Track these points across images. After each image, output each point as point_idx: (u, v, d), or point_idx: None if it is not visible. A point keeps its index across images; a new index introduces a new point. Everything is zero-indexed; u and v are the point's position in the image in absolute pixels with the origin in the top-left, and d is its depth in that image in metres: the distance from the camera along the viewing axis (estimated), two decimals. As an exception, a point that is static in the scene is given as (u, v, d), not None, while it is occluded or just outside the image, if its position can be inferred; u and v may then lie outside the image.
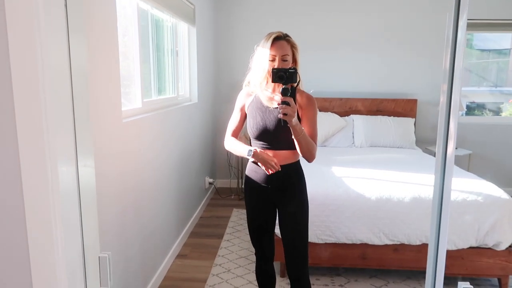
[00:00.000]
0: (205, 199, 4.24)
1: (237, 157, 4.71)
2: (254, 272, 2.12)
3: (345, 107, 4.57)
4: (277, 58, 1.72)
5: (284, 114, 1.61)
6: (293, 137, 1.70)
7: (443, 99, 0.97)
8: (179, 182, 3.21)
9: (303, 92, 1.83)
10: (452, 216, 2.57)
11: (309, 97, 1.82)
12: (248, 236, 3.43)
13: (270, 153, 1.79)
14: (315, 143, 1.79)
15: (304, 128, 1.75)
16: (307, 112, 1.80)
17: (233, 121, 1.95)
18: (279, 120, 1.67)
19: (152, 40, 2.79)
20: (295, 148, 1.77)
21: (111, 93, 1.90)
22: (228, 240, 3.36)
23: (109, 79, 1.88)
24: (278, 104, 1.62)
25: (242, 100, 1.92)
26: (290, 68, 1.66)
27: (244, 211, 4.15)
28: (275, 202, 1.90)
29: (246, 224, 2.00)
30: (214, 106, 4.69)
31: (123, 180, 2.08)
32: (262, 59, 1.75)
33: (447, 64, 1.00)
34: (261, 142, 1.82)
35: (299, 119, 1.77)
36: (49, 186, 0.70)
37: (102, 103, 1.81)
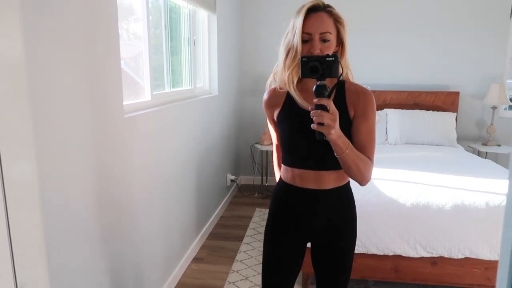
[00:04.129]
0: (226, 197, 4.04)
1: (261, 152, 4.47)
2: None
3: (378, 100, 4.20)
4: (314, 38, 1.22)
5: (320, 124, 1.10)
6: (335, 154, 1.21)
7: None
8: (197, 180, 3.01)
9: (355, 85, 1.32)
10: (496, 223, 2.25)
11: (364, 92, 1.29)
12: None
13: (311, 175, 1.32)
14: (371, 159, 1.28)
15: (356, 137, 1.27)
16: (362, 114, 1.27)
17: (272, 133, 1.49)
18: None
19: (166, 27, 2.58)
20: (340, 168, 1.29)
21: (109, 85, 1.70)
22: (248, 243, 3.14)
23: (107, 69, 1.68)
24: (311, 109, 1.12)
25: (271, 103, 1.40)
26: (327, 55, 1.13)
27: (268, 211, 3.96)
28: (312, 242, 1.42)
29: (263, 238, 1.49)
30: (237, 100, 4.46)
31: (129, 179, 1.89)
32: (292, 41, 1.24)
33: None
34: (295, 160, 1.34)
35: (347, 125, 1.28)
36: None
37: (97, 96, 1.61)
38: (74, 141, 1.46)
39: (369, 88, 1.37)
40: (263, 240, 1.49)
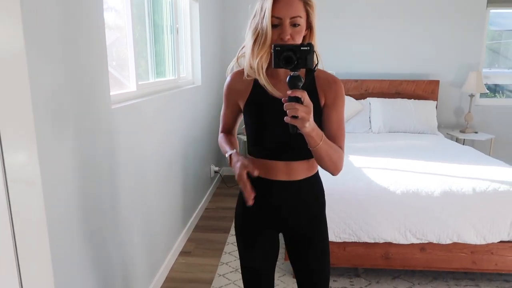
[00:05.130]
0: (210, 188, 3.98)
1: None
2: None
3: (360, 89, 4.23)
4: (284, 23, 1.14)
5: (294, 117, 1.02)
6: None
7: None
8: (183, 171, 2.94)
9: (325, 72, 1.26)
10: (482, 208, 2.30)
11: (335, 81, 1.25)
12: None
13: (280, 165, 1.25)
14: (342, 148, 1.23)
15: (326, 126, 1.23)
16: (332, 103, 1.23)
17: (225, 116, 1.40)
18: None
19: (149, 15, 2.47)
20: (311, 157, 1.23)
21: (95, 76, 1.60)
22: (234, 235, 3.09)
23: (92, 59, 1.58)
24: (284, 101, 1.04)
25: (237, 88, 1.30)
26: (302, 45, 1.05)
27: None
28: (282, 231, 1.37)
29: (236, 243, 1.43)
30: (219, 90, 4.37)
31: (115, 172, 1.80)
32: (260, 26, 1.16)
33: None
34: (264, 151, 1.27)
35: (318, 114, 1.22)
36: None
37: (84, 87, 1.52)
38: (62, 133, 1.37)
39: (334, 73, 1.32)
40: (236, 241, 1.42)
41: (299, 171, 1.27)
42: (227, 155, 1.29)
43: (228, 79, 1.34)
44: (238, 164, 1.18)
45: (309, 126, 1.05)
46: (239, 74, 1.30)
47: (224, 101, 1.37)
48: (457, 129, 4.33)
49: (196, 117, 3.38)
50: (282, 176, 1.26)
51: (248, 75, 1.24)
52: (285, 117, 1.03)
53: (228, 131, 1.42)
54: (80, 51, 1.48)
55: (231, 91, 1.32)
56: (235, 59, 1.31)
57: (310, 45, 1.06)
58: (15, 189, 0.57)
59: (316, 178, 1.33)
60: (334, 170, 1.22)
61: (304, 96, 1.02)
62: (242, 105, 1.30)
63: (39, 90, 1.23)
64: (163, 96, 2.52)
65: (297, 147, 1.22)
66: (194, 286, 2.43)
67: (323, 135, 1.13)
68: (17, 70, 0.61)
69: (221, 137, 1.40)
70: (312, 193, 1.31)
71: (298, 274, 1.40)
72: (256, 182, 1.21)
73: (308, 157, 1.25)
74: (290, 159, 1.25)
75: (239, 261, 2.71)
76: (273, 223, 1.33)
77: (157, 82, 2.61)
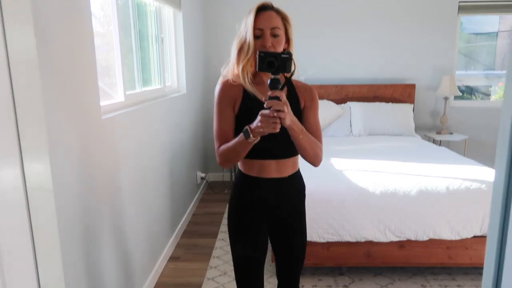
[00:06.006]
0: (197, 194, 4.05)
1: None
2: None
3: (341, 94, 4.37)
4: (265, 33, 1.32)
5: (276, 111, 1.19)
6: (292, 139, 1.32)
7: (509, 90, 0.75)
8: (170, 178, 3.00)
9: (300, 82, 1.48)
10: (455, 205, 2.44)
11: (310, 88, 1.48)
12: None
13: (272, 164, 1.42)
14: (321, 142, 1.44)
15: (306, 125, 1.42)
16: (310, 105, 1.45)
17: (223, 127, 1.41)
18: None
19: (134, 26, 2.54)
20: (297, 154, 1.44)
21: (86, 87, 1.67)
22: (222, 239, 3.18)
23: (83, 71, 1.65)
24: (265, 100, 1.19)
25: (230, 94, 1.41)
26: (283, 53, 1.22)
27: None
28: (270, 222, 1.52)
29: (229, 238, 1.54)
30: (204, 97, 4.45)
31: (106, 181, 1.86)
32: (244, 37, 1.34)
33: None
34: (258, 152, 1.38)
35: (299, 116, 1.41)
36: None
37: (76, 99, 1.58)
38: (55, 143, 1.43)
39: (303, 78, 1.52)
40: (228, 235, 1.55)
41: (287, 168, 1.45)
42: (245, 130, 1.27)
43: (218, 88, 1.44)
44: (258, 119, 1.22)
45: (289, 119, 1.22)
46: (227, 82, 1.43)
47: (217, 111, 1.43)
48: (434, 130, 4.52)
49: (182, 124, 3.45)
50: (273, 174, 1.44)
51: (234, 81, 1.40)
52: (263, 112, 1.19)
53: (226, 141, 1.39)
54: (71, 62, 1.54)
55: (225, 98, 1.41)
56: (221, 76, 1.46)
57: (289, 54, 1.23)
58: (33, 195, 0.65)
59: (299, 174, 1.53)
60: (315, 160, 1.41)
61: (282, 95, 1.19)
62: (235, 111, 1.41)
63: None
64: (150, 105, 2.59)
65: (284, 146, 1.40)
66: (184, 290, 2.50)
67: (303, 128, 1.32)
68: (32, 84, 0.68)
69: (223, 147, 1.39)
70: (296, 187, 1.51)
71: (280, 259, 1.59)
72: (251, 181, 1.44)
73: (293, 154, 1.44)
74: (280, 157, 1.43)
75: (227, 264, 2.79)
76: (263, 215, 1.49)
77: (144, 91, 2.67)
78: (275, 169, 1.43)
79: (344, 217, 2.43)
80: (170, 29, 3.37)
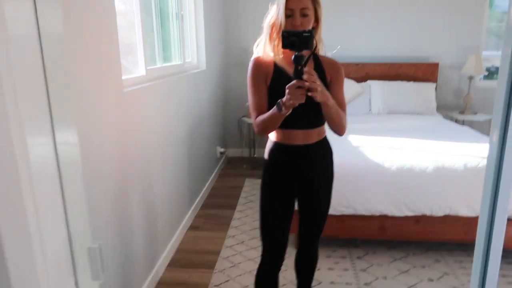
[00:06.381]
0: (216, 169, 4.15)
1: (248, 125, 4.56)
2: (255, 276, 1.76)
3: (361, 73, 4.33)
4: (295, 13, 1.43)
5: (308, 90, 1.30)
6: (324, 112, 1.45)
7: (504, 64, 0.77)
8: (189, 152, 3.10)
9: (327, 57, 1.59)
10: (473, 183, 2.43)
11: (337, 63, 1.58)
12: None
13: (299, 133, 1.54)
14: (345, 112, 1.57)
15: (333, 97, 1.51)
16: (336, 80, 1.56)
17: (258, 101, 1.52)
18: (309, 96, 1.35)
19: (155, 3, 2.59)
20: (324, 123, 1.58)
21: (109, 62, 1.75)
22: (241, 211, 3.28)
23: (106, 46, 1.72)
24: (292, 76, 1.31)
25: (262, 69, 1.52)
26: (304, 31, 1.32)
27: (258, 180, 4.05)
28: (300, 184, 1.63)
29: (260, 195, 1.66)
30: (223, 73, 4.50)
31: (127, 151, 1.96)
32: (277, 17, 1.46)
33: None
34: (286, 122, 1.47)
35: (327, 87, 1.50)
36: (17, 163, 0.57)
37: (99, 72, 1.67)
38: (82, 113, 1.52)
39: (334, 52, 1.65)
40: (260, 194, 1.66)
41: (313, 136, 1.57)
42: (277, 104, 1.38)
43: (251, 64, 1.55)
44: (287, 92, 1.33)
45: (321, 96, 1.35)
46: (259, 58, 1.55)
47: (251, 85, 1.54)
48: (456, 110, 4.44)
49: (202, 100, 3.52)
50: (301, 142, 1.56)
51: (265, 57, 1.53)
52: (308, 93, 1.31)
53: (262, 112, 1.51)
54: (95, 38, 1.62)
55: (258, 73, 1.53)
56: (257, 42, 1.57)
57: (311, 32, 1.32)
58: (64, 169, 0.71)
59: (325, 140, 1.63)
60: (341, 130, 1.55)
61: (310, 70, 1.31)
62: (267, 84, 1.53)
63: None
64: (170, 80, 2.66)
65: (311, 117, 1.52)
66: (203, 257, 2.61)
67: (334, 102, 1.45)
68: (58, 58, 0.75)
69: (259, 118, 1.50)
70: (322, 152, 1.62)
71: (305, 217, 1.69)
72: (280, 146, 1.57)
73: (319, 125, 1.56)
74: (306, 128, 1.54)
75: (244, 234, 2.88)
76: (292, 175, 1.59)
77: (165, 67, 2.74)
78: (302, 137, 1.55)
79: (359, 191, 2.47)
80: (190, 6, 3.40)
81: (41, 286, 0.63)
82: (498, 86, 0.80)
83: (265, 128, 1.51)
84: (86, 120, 1.54)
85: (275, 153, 1.60)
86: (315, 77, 1.32)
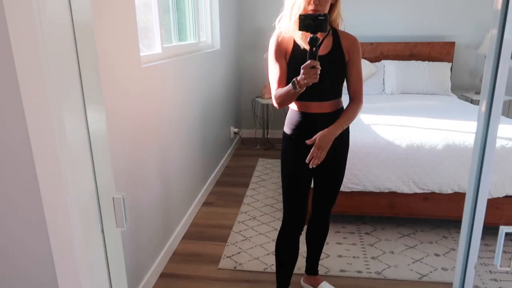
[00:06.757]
0: (230, 149, 4.23)
1: (262, 106, 4.61)
2: (275, 241, 1.88)
3: (375, 52, 4.31)
4: None
5: (321, 73, 1.44)
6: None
7: (492, 43, 0.84)
8: (203, 130, 3.18)
9: (347, 33, 1.66)
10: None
11: (356, 40, 1.66)
12: (274, 185, 3.45)
13: (315, 104, 1.64)
14: (360, 98, 1.69)
15: (350, 78, 1.67)
16: (354, 58, 1.65)
17: (278, 75, 1.63)
18: (323, 69, 1.47)
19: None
20: (341, 96, 1.69)
21: (128, 38, 1.82)
22: (253, 189, 3.37)
23: (125, 23, 1.79)
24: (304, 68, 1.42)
25: (282, 45, 1.62)
26: (319, 15, 1.41)
27: (270, 160, 4.17)
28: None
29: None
30: (237, 53, 4.54)
31: (145, 126, 2.05)
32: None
33: (499, 4, 0.86)
34: (302, 95, 1.57)
35: (343, 67, 1.64)
36: (56, 134, 0.67)
37: (118, 48, 1.74)
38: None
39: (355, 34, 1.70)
40: (281, 160, 1.76)
41: (328, 107, 1.65)
42: (292, 86, 1.49)
43: (272, 39, 1.65)
44: (301, 72, 1.43)
45: (326, 149, 1.61)
46: (280, 35, 1.63)
47: (271, 60, 1.64)
48: (472, 91, 4.39)
49: (216, 80, 3.58)
50: (317, 111, 1.65)
51: (285, 33, 1.61)
52: (303, 65, 1.42)
53: (280, 86, 1.62)
54: (116, 21, 1.69)
55: (278, 48, 1.63)
56: (277, 25, 1.66)
57: (326, 16, 1.42)
58: (94, 139, 0.80)
59: (342, 109, 1.70)
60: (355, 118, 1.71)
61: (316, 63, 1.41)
62: (286, 60, 1.63)
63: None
64: (185, 58, 2.72)
65: (326, 91, 1.62)
66: (216, 230, 2.72)
67: (342, 124, 1.62)
68: (89, 44, 0.82)
69: (277, 92, 1.61)
70: (338, 117, 1.66)
71: (320, 184, 1.81)
72: (297, 114, 1.67)
73: (334, 98, 1.66)
74: (321, 100, 1.63)
75: (257, 210, 2.97)
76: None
77: (180, 45, 2.80)
78: (319, 108, 1.65)
79: (369, 168, 2.51)
80: (205, -15, 3.43)
81: (73, 230, 0.72)
82: (486, 66, 0.87)
83: (282, 102, 1.61)
84: (107, 92, 1.63)
85: (294, 120, 1.69)
86: (319, 152, 1.58)
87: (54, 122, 0.70)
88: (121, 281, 0.95)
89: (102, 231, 0.85)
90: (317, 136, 1.60)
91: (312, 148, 1.61)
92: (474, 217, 1.14)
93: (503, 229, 0.89)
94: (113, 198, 0.82)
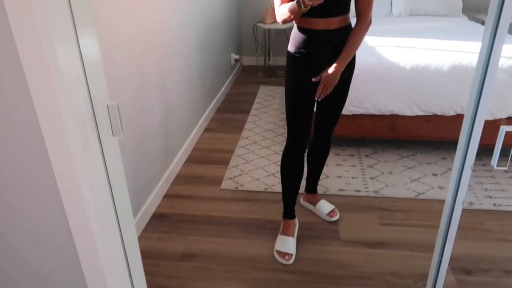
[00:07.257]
0: (231, 76, 4.16)
1: (264, 31, 4.45)
2: (280, 161, 1.87)
3: (384, -30, 4.02)
4: None
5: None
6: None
7: None
8: (202, 57, 3.09)
9: None
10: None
11: None
12: (275, 111, 3.43)
13: (321, 20, 1.58)
14: (368, 17, 1.64)
15: (359, 1, 1.62)
16: None
17: None
18: None
19: None
20: (349, 11, 1.63)
21: None
22: (255, 115, 3.36)
23: None
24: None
25: None
26: None
27: (272, 87, 4.11)
28: (322, 68, 1.67)
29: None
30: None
31: (144, 49, 1.98)
32: None
33: None
34: (308, 13, 1.55)
35: None
36: (45, 45, 0.64)
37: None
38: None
39: None
40: (286, 77, 1.73)
41: (334, 23, 1.61)
42: (297, 5, 1.47)
43: None
44: None
45: (335, 80, 1.61)
46: None
47: None
48: (484, 12, 4.17)
49: (216, 4, 3.40)
50: (322, 27, 1.61)
51: None
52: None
53: (284, 2, 1.59)
54: None
55: None
56: None
57: None
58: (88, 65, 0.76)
59: (350, 27, 1.67)
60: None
61: None
62: None
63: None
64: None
65: (332, 8, 1.56)
66: (218, 154, 2.76)
67: (347, 55, 1.62)
68: None
69: (280, 9, 1.58)
70: (346, 35, 1.64)
71: (324, 103, 1.80)
72: (303, 30, 1.63)
73: (342, 14, 1.60)
74: (326, 16, 1.58)
75: (258, 135, 2.98)
76: (315, 59, 1.65)
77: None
78: (323, 24, 1.60)
79: (371, 91, 2.47)
80: None
81: (68, 137, 0.71)
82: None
83: (285, 19, 1.59)
84: (104, 15, 1.55)
85: (299, 37, 1.65)
86: (326, 88, 1.61)
87: (43, 39, 0.67)
88: (120, 188, 0.97)
89: (99, 139, 0.85)
90: (322, 74, 1.61)
91: (319, 86, 1.62)
92: (473, 130, 1.14)
93: (504, 128, 0.89)
94: (107, 106, 0.80)
